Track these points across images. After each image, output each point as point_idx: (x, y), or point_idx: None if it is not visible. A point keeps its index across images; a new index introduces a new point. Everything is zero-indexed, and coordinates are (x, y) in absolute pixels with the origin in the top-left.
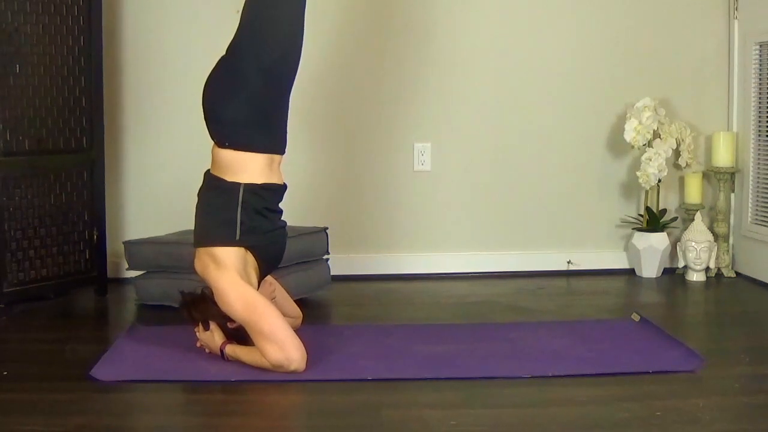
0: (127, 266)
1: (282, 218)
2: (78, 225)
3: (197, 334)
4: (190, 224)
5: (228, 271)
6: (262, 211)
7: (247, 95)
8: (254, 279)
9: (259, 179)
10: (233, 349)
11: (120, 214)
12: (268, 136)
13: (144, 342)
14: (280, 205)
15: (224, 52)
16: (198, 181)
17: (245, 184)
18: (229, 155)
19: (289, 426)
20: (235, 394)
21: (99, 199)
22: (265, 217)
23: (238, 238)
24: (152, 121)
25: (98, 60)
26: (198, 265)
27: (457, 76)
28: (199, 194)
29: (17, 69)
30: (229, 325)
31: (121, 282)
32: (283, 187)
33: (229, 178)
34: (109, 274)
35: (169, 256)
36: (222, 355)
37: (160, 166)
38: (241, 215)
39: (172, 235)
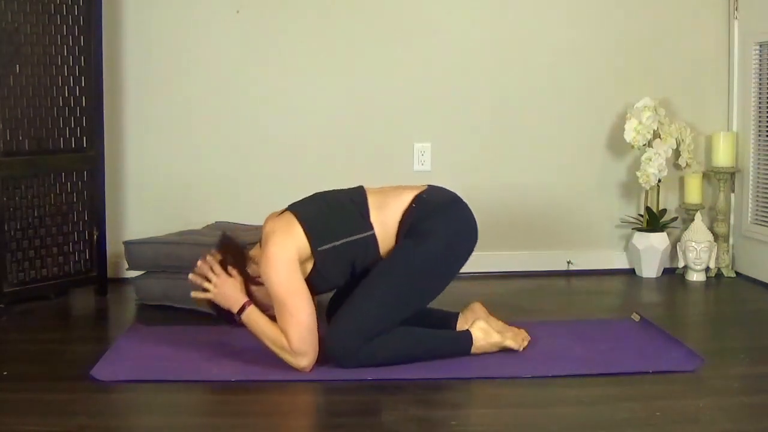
0: (127, 266)
1: None
2: (78, 225)
3: (212, 279)
4: (190, 224)
5: (289, 249)
6: (353, 262)
7: None
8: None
9: (379, 246)
10: (254, 312)
11: (120, 214)
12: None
13: (144, 342)
14: None
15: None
16: (197, 180)
17: (372, 234)
18: (401, 208)
19: (289, 426)
20: (235, 394)
21: (99, 199)
22: (347, 267)
23: (320, 248)
24: (152, 121)
25: (98, 60)
26: (269, 224)
27: (457, 76)
28: (337, 194)
29: (17, 69)
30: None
31: (121, 282)
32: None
33: (373, 219)
34: (109, 274)
35: (169, 256)
36: (238, 312)
37: (160, 166)
38: (342, 246)
39: (172, 235)
